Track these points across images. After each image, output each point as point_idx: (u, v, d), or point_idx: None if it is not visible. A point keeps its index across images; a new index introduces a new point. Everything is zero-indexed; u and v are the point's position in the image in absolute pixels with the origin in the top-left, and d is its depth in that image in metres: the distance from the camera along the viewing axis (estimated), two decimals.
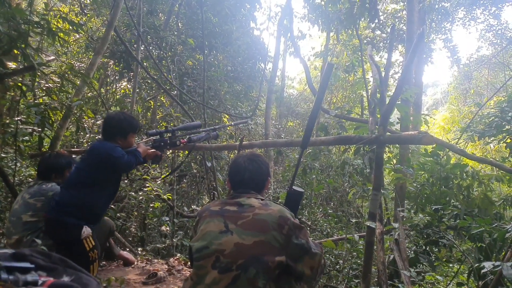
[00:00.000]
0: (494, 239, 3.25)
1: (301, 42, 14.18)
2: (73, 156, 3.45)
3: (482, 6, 13.13)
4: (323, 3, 9.25)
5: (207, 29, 7.47)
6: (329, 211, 8.63)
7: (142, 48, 6.21)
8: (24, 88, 3.93)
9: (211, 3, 7.85)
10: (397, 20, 13.05)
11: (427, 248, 3.90)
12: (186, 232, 5.68)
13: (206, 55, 6.78)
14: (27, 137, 4.15)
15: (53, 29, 3.96)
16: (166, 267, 3.73)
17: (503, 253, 3.45)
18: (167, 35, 6.98)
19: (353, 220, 7.52)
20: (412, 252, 3.91)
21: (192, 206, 6.33)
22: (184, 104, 6.35)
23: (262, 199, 1.71)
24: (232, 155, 7.84)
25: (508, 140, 5.71)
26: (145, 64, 6.74)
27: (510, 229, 2.43)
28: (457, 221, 3.71)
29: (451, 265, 4.45)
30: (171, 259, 4.06)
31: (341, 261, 4.62)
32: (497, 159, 8.48)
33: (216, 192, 5.77)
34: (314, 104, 1.98)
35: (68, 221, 2.44)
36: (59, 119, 4.26)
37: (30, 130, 3.86)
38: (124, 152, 2.52)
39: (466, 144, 10.08)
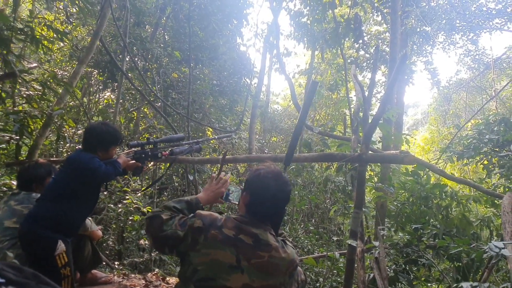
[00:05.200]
0: (471, 259, 3.30)
1: (287, 59, 14.36)
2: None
3: (461, 32, 13.64)
4: (309, 22, 9.44)
5: (194, 43, 7.51)
6: (311, 227, 8.62)
7: (127, 59, 6.18)
8: (3, 95, 3.83)
9: (198, 18, 7.91)
10: (380, 41, 13.44)
11: (407, 267, 3.91)
12: None
13: (192, 68, 6.78)
14: (3, 145, 4.03)
15: (37, 36, 3.91)
16: (144, 282, 3.63)
17: (479, 273, 3.51)
18: (153, 47, 6.97)
19: (334, 238, 7.53)
20: (392, 271, 3.92)
21: None
22: (168, 116, 6.31)
23: (276, 236, 1.63)
24: (215, 169, 7.79)
25: (485, 162, 5.87)
26: (130, 75, 6.69)
27: (487, 249, 2.48)
28: (436, 240, 3.75)
29: (429, 284, 4.47)
30: (149, 274, 3.97)
31: (321, 279, 4.60)
32: (474, 180, 8.69)
33: None
34: (298, 121, 1.99)
35: (44, 234, 2.35)
36: (39, 127, 4.16)
37: (8, 138, 3.75)
38: (101, 163, 2.46)
39: (445, 164, 10.30)
